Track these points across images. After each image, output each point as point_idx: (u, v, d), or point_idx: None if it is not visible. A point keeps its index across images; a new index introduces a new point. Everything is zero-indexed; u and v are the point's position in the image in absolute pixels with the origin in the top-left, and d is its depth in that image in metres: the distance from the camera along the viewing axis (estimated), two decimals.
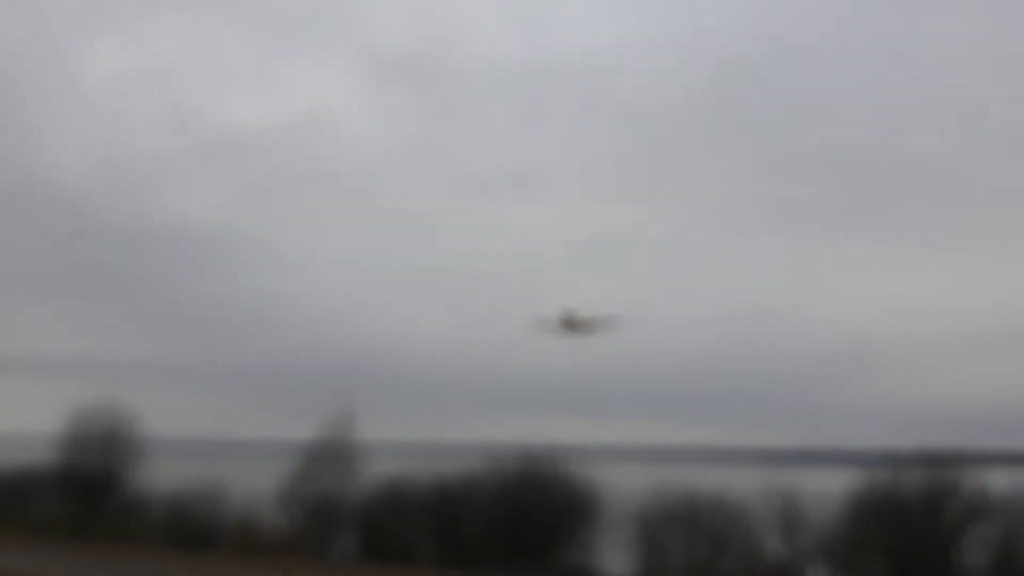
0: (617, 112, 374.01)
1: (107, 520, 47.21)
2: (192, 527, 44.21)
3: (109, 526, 46.45)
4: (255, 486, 45.69)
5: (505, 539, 38.65)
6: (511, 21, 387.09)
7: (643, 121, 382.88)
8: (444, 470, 44.17)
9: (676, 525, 36.30)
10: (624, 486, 42.79)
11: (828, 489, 35.09)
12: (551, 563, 37.77)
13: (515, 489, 40.35)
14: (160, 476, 49.11)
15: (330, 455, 44.18)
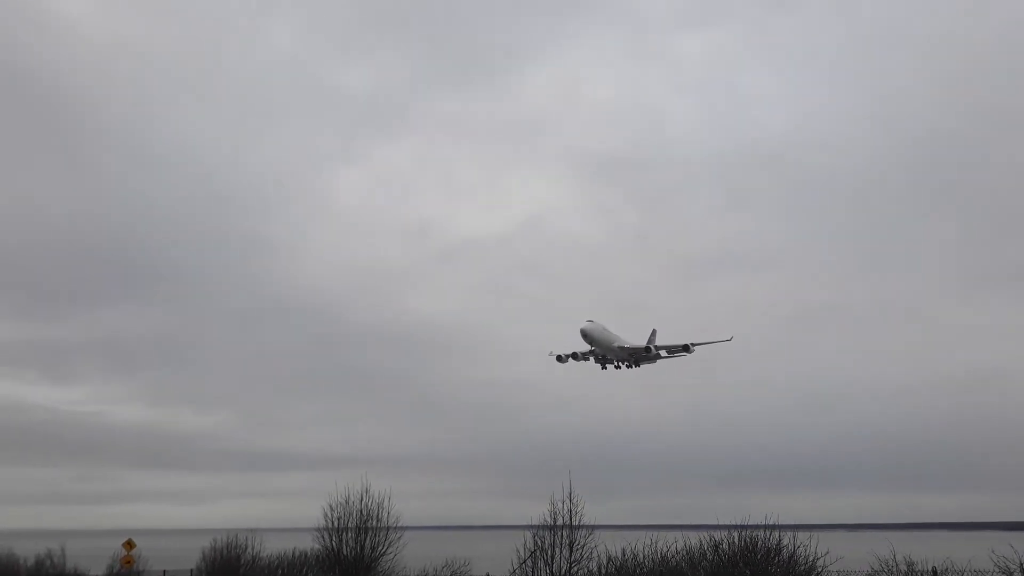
0: (822, 187, 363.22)
1: None
2: None
3: None
4: (496, 564, 49.03)
5: None
6: (710, 115, 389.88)
7: (848, 193, 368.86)
8: (667, 548, 45.68)
9: None
10: (851, 559, 42.38)
11: None
12: None
13: (737, 566, 41.16)
14: (411, 558, 53.80)
15: (557, 534, 47.00)
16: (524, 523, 49.00)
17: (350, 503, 54.76)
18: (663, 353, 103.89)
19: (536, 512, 47.94)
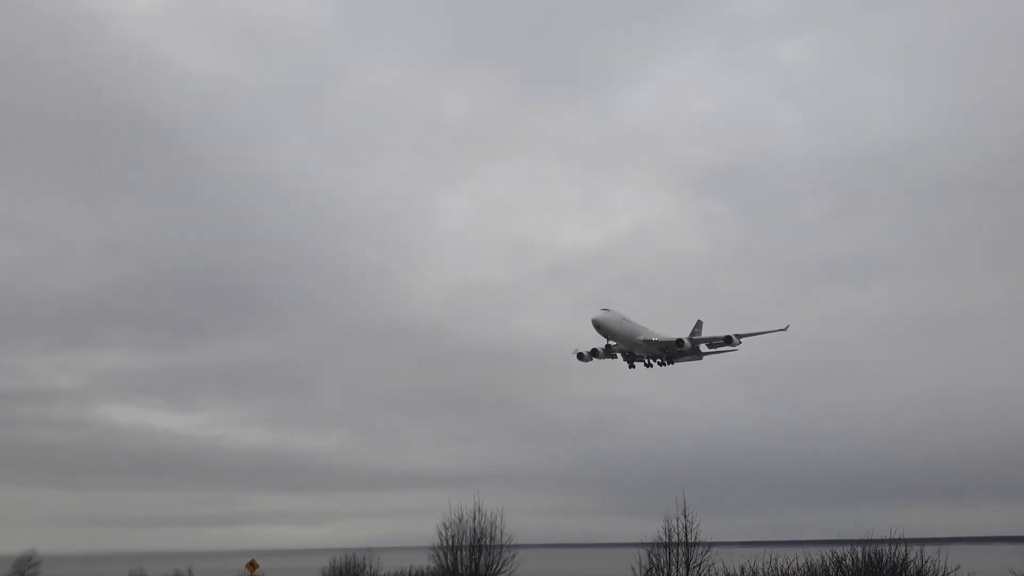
0: (939, 188, 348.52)
1: None
2: None
3: None
4: None
5: None
6: (816, 119, 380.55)
7: (966, 193, 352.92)
8: (787, 565, 44.72)
9: None
10: (985, 573, 40.62)
11: None
12: None
13: None
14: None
15: (673, 552, 46.55)
16: (638, 540, 48.75)
17: (463, 521, 55.74)
18: (704, 347, 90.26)
19: (650, 529, 47.66)
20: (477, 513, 55.47)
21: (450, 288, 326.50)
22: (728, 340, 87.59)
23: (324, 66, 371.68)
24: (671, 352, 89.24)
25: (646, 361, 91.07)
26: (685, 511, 46.41)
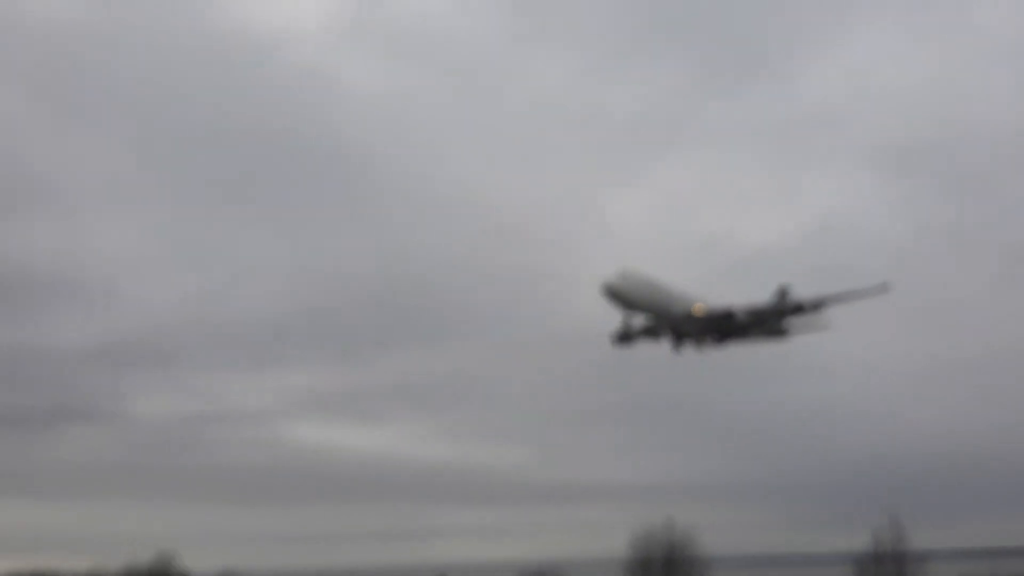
0: None
1: None
2: None
3: None
4: None
5: None
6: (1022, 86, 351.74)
7: None
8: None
9: None
10: None
11: None
12: None
13: None
14: None
15: (883, 565, 44.07)
16: (844, 552, 46.53)
17: (656, 534, 54.96)
18: (780, 324, 69.84)
19: (857, 540, 45.38)
20: (669, 526, 54.61)
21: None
22: (814, 307, 67.23)
23: (492, 72, 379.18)
24: (720, 326, 69.59)
25: (698, 341, 71.30)
26: (896, 519, 43.79)
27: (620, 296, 64.17)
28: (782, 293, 68.38)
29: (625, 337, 69.11)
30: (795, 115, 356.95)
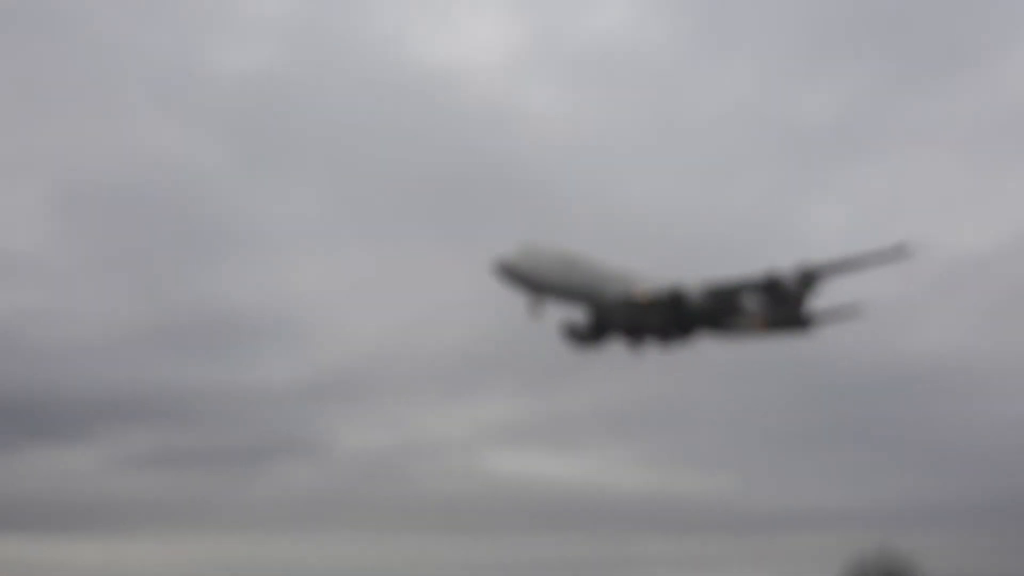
0: None
1: None
2: None
3: None
4: None
5: None
6: None
7: None
8: None
9: None
10: None
11: None
12: None
13: None
14: None
15: None
16: None
17: (871, 561, 50.82)
18: (797, 313, 54.76)
19: None
20: (885, 553, 50.02)
21: (829, 310, 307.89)
22: (804, 283, 52.59)
23: (680, 86, 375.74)
24: (682, 317, 53.55)
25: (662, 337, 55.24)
26: None
27: (523, 277, 50.26)
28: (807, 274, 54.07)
29: (576, 334, 55.59)
30: (1005, 109, 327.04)
